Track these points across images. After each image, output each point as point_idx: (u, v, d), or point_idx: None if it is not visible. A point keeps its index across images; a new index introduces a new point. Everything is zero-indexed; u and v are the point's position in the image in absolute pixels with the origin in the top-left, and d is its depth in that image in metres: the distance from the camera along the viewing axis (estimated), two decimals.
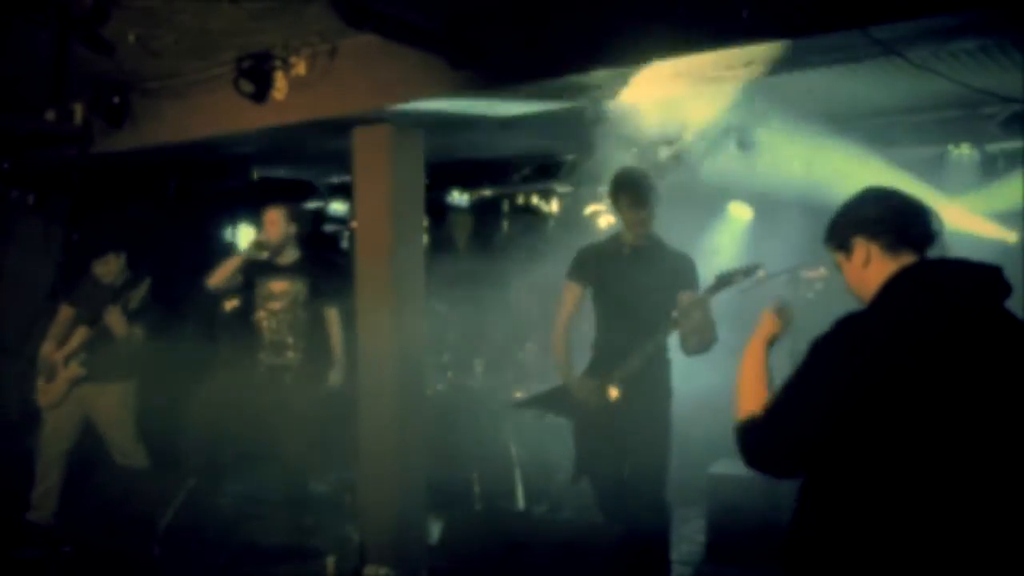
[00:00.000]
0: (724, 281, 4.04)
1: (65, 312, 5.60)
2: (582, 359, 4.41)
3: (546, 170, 7.49)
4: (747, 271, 4.01)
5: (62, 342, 5.49)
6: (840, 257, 2.24)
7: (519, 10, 4.08)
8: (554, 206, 8.28)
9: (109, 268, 5.49)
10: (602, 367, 4.28)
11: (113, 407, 5.46)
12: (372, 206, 5.04)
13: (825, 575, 2.04)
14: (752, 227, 7.46)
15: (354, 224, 5.40)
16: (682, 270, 4.30)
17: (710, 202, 7.26)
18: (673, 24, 3.66)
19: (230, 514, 5.25)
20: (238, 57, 4.86)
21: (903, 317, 2.03)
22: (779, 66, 3.85)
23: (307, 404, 5.12)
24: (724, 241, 7.36)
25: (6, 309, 6.52)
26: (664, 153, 5.90)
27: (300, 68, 4.82)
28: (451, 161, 7.44)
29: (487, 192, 7.97)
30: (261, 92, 4.90)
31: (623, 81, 4.11)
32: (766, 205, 7.12)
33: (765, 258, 4.17)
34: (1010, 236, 6.26)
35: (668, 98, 5.08)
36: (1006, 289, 2.08)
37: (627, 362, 4.16)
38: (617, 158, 5.58)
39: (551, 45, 4.03)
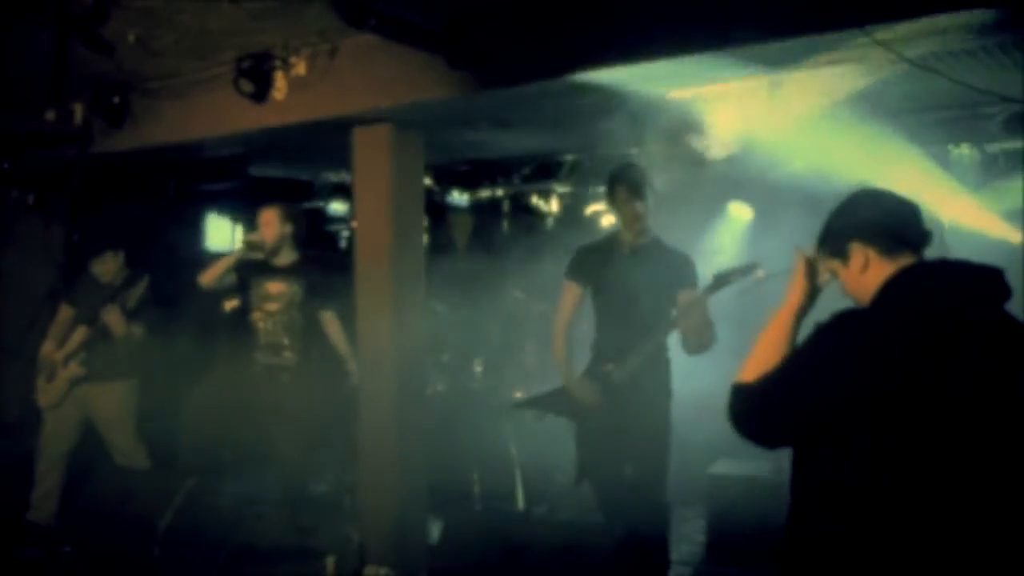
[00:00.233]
0: (722, 280, 4.04)
1: (65, 312, 5.60)
2: (582, 359, 4.41)
3: (546, 170, 7.49)
4: (745, 270, 4.01)
5: (62, 342, 5.49)
6: (836, 264, 2.21)
7: (519, 10, 4.08)
8: (554, 206, 8.27)
9: (107, 267, 5.49)
10: (601, 367, 4.28)
11: (113, 407, 5.46)
12: (372, 206, 5.04)
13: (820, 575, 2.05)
14: (752, 227, 7.46)
15: (354, 224, 5.39)
16: (681, 269, 4.29)
17: (710, 202, 7.26)
18: (674, 24, 3.67)
19: (230, 514, 5.23)
20: (238, 57, 4.86)
21: (901, 317, 2.02)
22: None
23: (304, 404, 5.10)
24: (724, 241, 7.36)
25: (6, 309, 6.52)
26: (703, 147, 5.87)
27: (300, 68, 4.82)
28: (451, 161, 7.45)
29: (487, 192, 7.96)
30: (261, 92, 4.91)
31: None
32: (766, 205, 7.12)
33: (765, 258, 4.16)
34: (1015, 236, 6.24)
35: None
36: (1006, 291, 2.07)
37: (627, 362, 4.16)
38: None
39: (551, 45, 4.03)
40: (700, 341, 4.16)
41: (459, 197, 8.11)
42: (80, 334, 5.44)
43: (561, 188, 7.76)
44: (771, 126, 5.16)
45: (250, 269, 5.20)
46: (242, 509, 5.51)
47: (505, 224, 8.70)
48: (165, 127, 5.55)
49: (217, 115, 5.27)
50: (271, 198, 5.46)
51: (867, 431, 1.96)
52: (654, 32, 3.74)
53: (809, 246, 2.33)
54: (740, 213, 7.54)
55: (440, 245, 8.62)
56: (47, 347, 5.51)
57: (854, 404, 1.96)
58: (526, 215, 8.51)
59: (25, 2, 3.78)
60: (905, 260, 2.12)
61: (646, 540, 4.09)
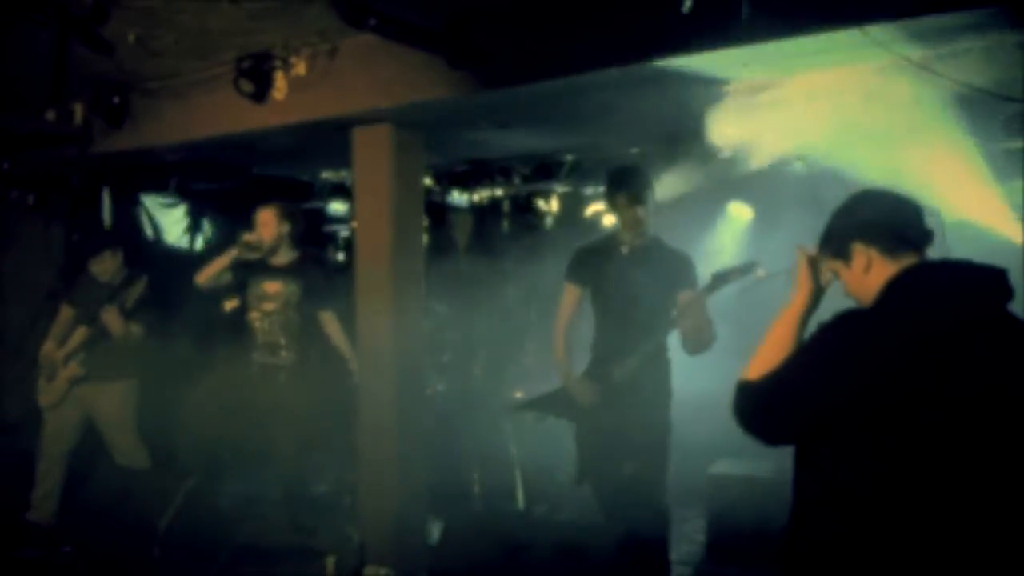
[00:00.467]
0: (721, 279, 4.03)
1: (65, 312, 5.60)
2: (582, 360, 4.41)
3: (546, 170, 7.48)
4: (744, 269, 4.01)
5: (63, 342, 5.49)
6: (838, 265, 2.22)
7: (519, 10, 4.08)
8: (554, 206, 8.27)
9: (105, 267, 5.49)
10: (602, 368, 4.28)
11: (113, 406, 5.46)
12: (372, 206, 5.04)
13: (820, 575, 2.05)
14: (752, 227, 7.46)
15: (354, 224, 5.39)
16: (681, 269, 4.29)
17: (710, 202, 7.26)
18: (674, 24, 3.66)
19: (230, 514, 5.24)
20: (238, 57, 4.86)
21: (904, 318, 2.02)
22: None
23: (302, 403, 5.09)
24: (725, 241, 7.36)
25: (6, 309, 6.52)
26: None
27: (300, 68, 4.82)
28: (451, 161, 7.44)
29: (487, 192, 7.96)
30: (261, 92, 4.91)
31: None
32: (766, 205, 7.12)
33: (765, 258, 4.16)
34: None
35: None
36: (1009, 292, 2.07)
37: (627, 362, 4.16)
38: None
39: (552, 45, 4.03)
40: (700, 340, 4.15)
41: (459, 197, 8.10)
42: (80, 334, 5.44)
43: (561, 188, 7.76)
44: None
45: (247, 269, 5.18)
46: (242, 509, 5.51)
47: (505, 224, 8.69)
48: (165, 127, 5.55)
49: (217, 115, 5.26)
50: (269, 198, 5.44)
51: (869, 431, 1.96)
52: (655, 32, 3.74)
53: (811, 245, 2.33)
54: (740, 213, 7.54)
55: (440, 245, 8.62)
56: (48, 347, 5.51)
57: (856, 404, 1.96)
58: (526, 215, 8.50)
59: (25, 2, 3.78)
60: (907, 260, 2.12)
61: (646, 540, 4.09)
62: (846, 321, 2.04)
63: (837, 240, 2.21)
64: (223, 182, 7.52)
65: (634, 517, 4.06)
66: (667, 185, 6.20)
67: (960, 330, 1.99)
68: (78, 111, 5.73)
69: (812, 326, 2.15)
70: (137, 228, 7.45)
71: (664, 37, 3.70)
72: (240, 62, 4.87)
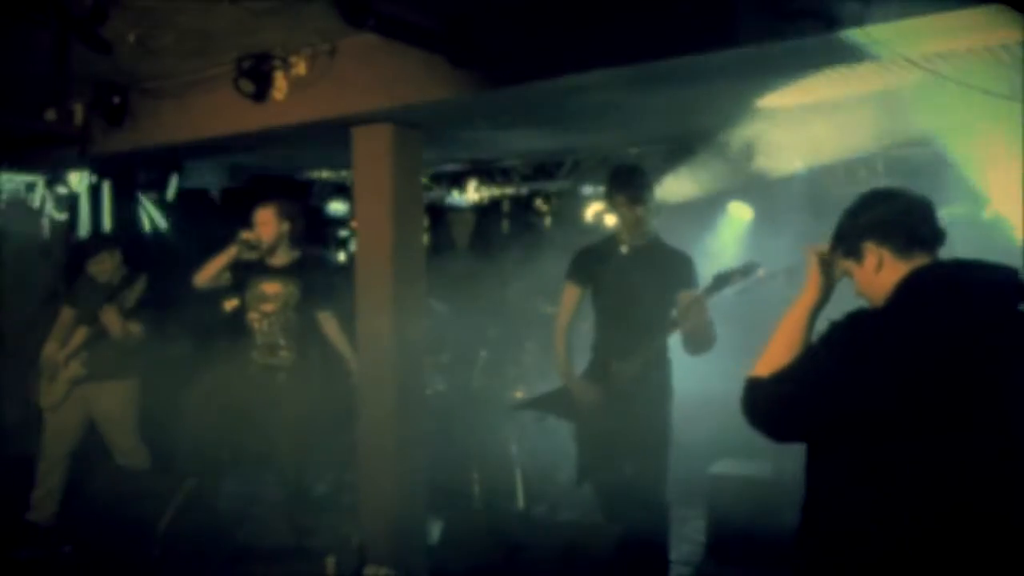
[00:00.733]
0: (722, 281, 4.02)
1: (66, 313, 5.59)
2: (583, 360, 4.41)
3: (546, 170, 7.49)
4: (745, 270, 3.99)
5: (64, 343, 5.49)
6: (849, 264, 2.21)
7: (520, 9, 4.08)
8: (554, 206, 8.28)
9: (103, 267, 5.48)
10: (602, 368, 4.28)
11: (114, 406, 5.46)
12: (372, 206, 5.04)
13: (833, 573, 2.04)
14: (753, 226, 7.46)
15: (354, 224, 5.38)
16: (680, 268, 4.29)
17: (711, 202, 7.26)
18: (674, 24, 3.66)
19: (230, 514, 5.24)
20: (238, 57, 4.86)
21: (915, 317, 2.02)
22: None
23: (301, 403, 5.09)
24: (727, 241, 7.37)
25: (6, 309, 6.52)
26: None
27: (300, 68, 4.82)
28: (451, 161, 7.45)
29: (487, 192, 7.97)
30: (261, 92, 4.90)
31: None
32: (766, 205, 7.12)
33: (766, 257, 4.16)
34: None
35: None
36: (1022, 291, 2.06)
37: (628, 362, 4.16)
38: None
39: (553, 44, 4.03)
40: (700, 341, 4.13)
41: (459, 197, 8.11)
42: (80, 334, 5.44)
43: (561, 188, 7.77)
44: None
45: (246, 269, 5.17)
46: (242, 509, 5.51)
47: (505, 224, 8.70)
48: (165, 127, 5.54)
49: (217, 115, 5.26)
50: (268, 197, 5.42)
51: (881, 430, 1.96)
52: (655, 32, 3.74)
53: (821, 243, 2.32)
54: (740, 213, 7.54)
55: (440, 245, 8.63)
56: (49, 347, 5.51)
57: (868, 404, 1.96)
58: (526, 215, 8.51)
59: (25, 2, 3.78)
60: (919, 260, 2.11)
61: (646, 540, 4.09)
62: (857, 321, 2.03)
63: (849, 239, 2.20)
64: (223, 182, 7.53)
65: (634, 517, 4.06)
66: (678, 185, 6.25)
67: (973, 330, 1.98)
68: (78, 111, 5.73)
69: (822, 323, 2.15)
70: (136, 227, 7.45)
71: (665, 37, 3.70)
72: (240, 62, 4.87)
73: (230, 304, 5.58)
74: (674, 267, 4.28)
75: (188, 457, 5.20)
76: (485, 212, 8.62)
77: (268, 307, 5.11)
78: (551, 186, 7.70)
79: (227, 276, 5.15)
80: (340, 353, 5.26)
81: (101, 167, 6.85)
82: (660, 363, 4.27)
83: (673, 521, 4.47)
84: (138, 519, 4.50)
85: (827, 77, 4.32)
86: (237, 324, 5.27)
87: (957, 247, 2.23)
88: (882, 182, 6.08)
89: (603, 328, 4.37)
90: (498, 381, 6.75)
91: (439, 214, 8.56)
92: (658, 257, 4.29)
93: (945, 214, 2.22)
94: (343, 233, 8.87)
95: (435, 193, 7.92)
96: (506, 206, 8.59)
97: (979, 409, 1.94)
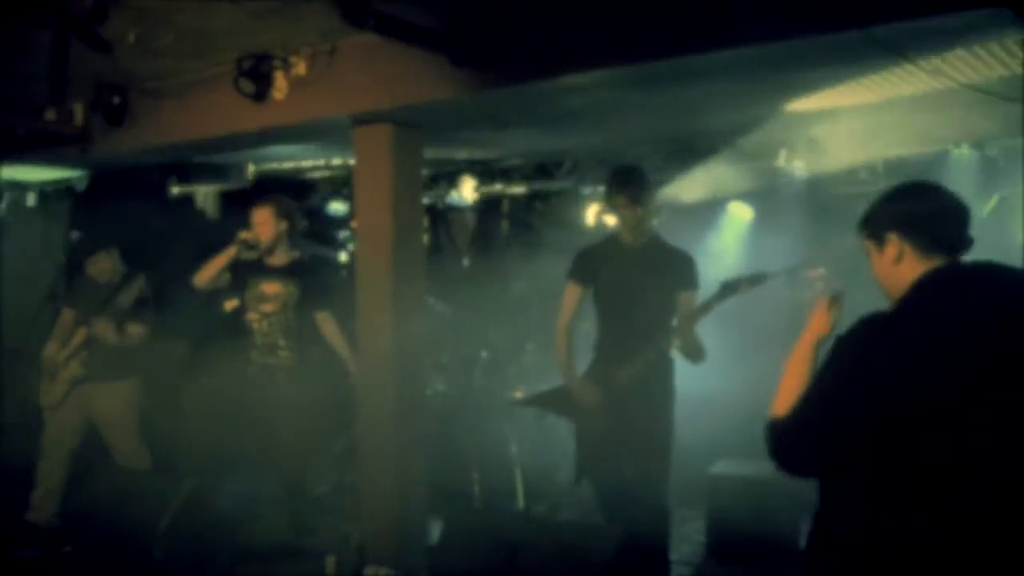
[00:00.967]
0: (729, 289, 4.02)
1: (67, 313, 5.60)
2: (584, 360, 4.41)
3: (546, 170, 7.49)
4: (753, 280, 4.00)
5: (65, 343, 5.48)
6: (871, 246, 2.20)
7: (520, 9, 4.07)
8: (554, 206, 8.27)
9: (101, 267, 5.48)
10: (604, 368, 4.28)
11: (115, 407, 5.45)
12: (372, 206, 5.04)
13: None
14: (753, 226, 7.46)
15: (354, 224, 5.38)
16: (682, 268, 4.29)
17: (711, 202, 7.26)
18: (674, 25, 3.66)
19: (230, 514, 5.24)
20: (238, 57, 4.86)
21: (928, 318, 2.01)
22: None
23: (301, 403, 5.08)
24: (728, 241, 7.37)
25: (6, 309, 6.52)
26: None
27: (300, 68, 4.82)
28: (451, 160, 7.44)
29: (487, 192, 7.96)
30: (261, 92, 4.90)
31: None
32: (766, 205, 7.12)
33: (766, 257, 4.17)
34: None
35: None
36: None
37: (629, 362, 4.16)
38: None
39: (554, 43, 4.03)
40: (691, 357, 4.24)
41: (459, 197, 8.11)
42: (80, 335, 5.44)
43: (561, 188, 7.76)
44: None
45: (246, 269, 5.16)
46: (242, 509, 5.51)
47: (505, 224, 8.69)
48: (165, 127, 5.54)
49: (217, 115, 5.26)
50: (267, 195, 5.41)
51: (894, 434, 1.94)
52: (654, 32, 3.74)
53: (830, 292, 2.32)
54: (740, 213, 7.54)
55: (440, 245, 8.63)
56: (50, 348, 5.51)
57: (880, 405, 1.94)
58: (526, 215, 8.51)
59: (25, 2, 3.78)
60: (938, 262, 2.10)
61: (646, 540, 4.09)
62: (868, 327, 2.02)
63: (876, 223, 2.19)
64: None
65: (635, 517, 4.06)
66: (691, 185, 6.27)
67: (985, 331, 1.97)
68: (78, 111, 5.72)
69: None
70: (136, 227, 7.44)
71: (666, 37, 3.70)
72: (240, 62, 4.86)
73: (230, 304, 5.58)
74: (675, 266, 4.28)
75: (188, 457, 5.20)
76: (485, 212, 8.61)
77: (267, 307, 5.11)
78: (551, 186, 7.69)
79: (226, 277, 5.15)
80: (338, 353, 5.26)
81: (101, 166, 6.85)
82: (662, 363, 4.27)
83: (673, 521, 4.47)
84: (138, 519, 4.50)
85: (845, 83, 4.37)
86: (237, 324, 5.27)
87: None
88: (882, 183, 6.09)
89: (605, 328, 4.37)
90: (498, 381, 6.75)
91: (439, 214, 8.55)
92: (659, 256, 4.29)
93: None
94: (343, 233, 8.86)
95: (435, 193, 7.90)
96: (506, 206, 8.58)
97: (993, 410, 1.93)
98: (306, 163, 7.41)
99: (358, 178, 5.16)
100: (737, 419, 5.98)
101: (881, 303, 2.16)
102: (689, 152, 6.52)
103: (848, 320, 2.11)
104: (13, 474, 5.55)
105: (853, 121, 5.46)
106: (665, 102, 5.15)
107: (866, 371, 1.97)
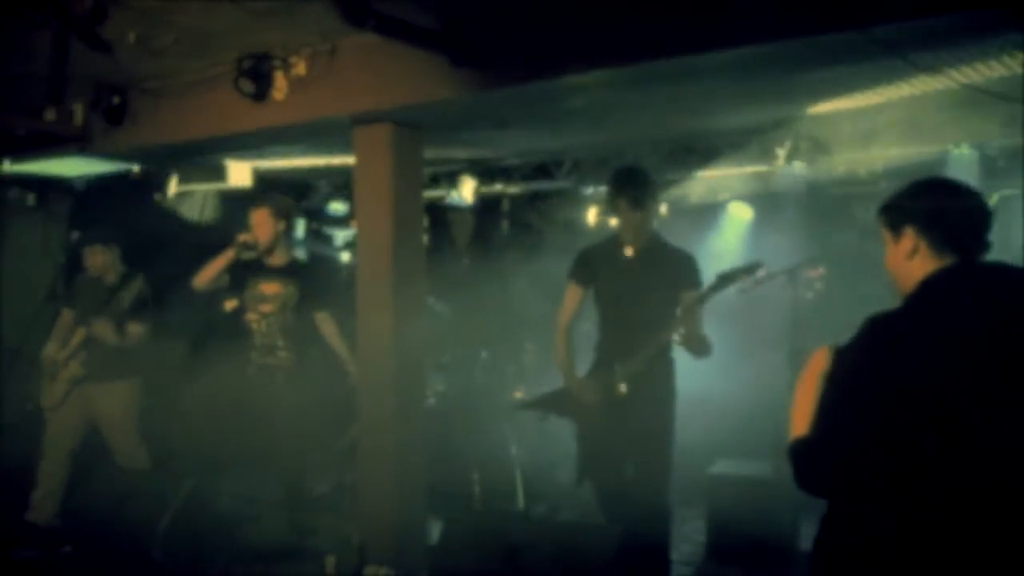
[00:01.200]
0: (726, 279, 4.05)
1: (66, 313, 5.60)
2: (585, 361, 4.41)
3: (546, 170, 7.49)
4: (749, 269, 4.06)
5: (65, 343, 5.48)
6: (887, 235, 2.19)
7: (520, 9, 4.07)
8: (554, 206, 8.27)
9: (96, 259, 5.47)
10: (605, 368, 4.27)
11: (115, 407, 5.45)
12: (372, 206, 5.04)
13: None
14: (753, 226, 7.47)
15: (354, 224, 5.38)
16: (683, 268, 4.29)
17: (711, 203, 7.27)
18: (674, 25, 3.67)
19: (230, 514, 5.24)
20: (238, 57, 4.86)
21: (937, 317, 2.01)
22: None
23: (300, 403, 5.08)
24: (729, 241, 7.38)
25: (6, 309, 6.52)
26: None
27: (300, 68, 4.82)
28: (450, 161, 7.44)
29: (486, 192, 7.96)
30: (261, 92, 4.90)
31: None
32: (766, 205, 7.13)
33: (767, 257, 4.18)
34: None
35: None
36: None
37: (630, 362, 4.16)
38: None
39: (553, 44, 4.03)
40: (695, 351, 4.19)
41: (459, 197, 8.11)
42: (80, 335, 5.43)
43: (561, 188, 7.76)
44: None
45: (245, 269, 5.16)
46: (242, 509, 5.51)
47: (505, 224, 8.70)
48: (165, 127, 5.54)
49: (217, 115, 5.26)
50: (264, 196, 5.41)
51: (904, 436, 1.94)
52: (655, 32, 3.74)
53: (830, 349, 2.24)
54: (740, 213, 7.55)
55: (440, 245, 8.62)
56: (51, 348, 5.50)
57: (888, 401, 1.94)
58: (526, 215, 8.51)
59: (25, 2, 3.78)
60: (950, 261, 2.09)
61: (647, 540, 4.08)
62: (875, 329, 2.01)
63: (896, 214, 2.18)
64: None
65: (635, 517, 4.06)
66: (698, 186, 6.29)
67: (994, 334, 1.97)
68: (78, 111, 5.72)
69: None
70: (135, 226, 7.44)
71: (667, 37, 3.70)
72: (240, 62, 4.86)
73: (230, 304, 5.58)
74: (677, 266, 4.28)
75: (188, 457, 5.20)
76: (485, 212, 8.61)
77: (267, 308, 5.11)
78: (551, 186, 7.69)
79: (226, 278, 5.15)
80: (337, 354, 5.26)
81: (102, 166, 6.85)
82: (664, 363, 4.27)
83: (673, 521, 4.47)
84: (138, 519, 4.50)
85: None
86: (236, 324, 5.27)
87: None
88: (882, 184, 6.10)
89: (606, 328, 4.37)
90: (498, 381, 6.75)
91: (439, 214, 8.54)
92: (661, 257, 4.29)
93: None
94: (343, 233, 8.86)
95: (435, 193, 7.90)
96: (506, 206, 8.58)
97: (1002, 412, 1.93)
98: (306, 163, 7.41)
99: (358, 178, 5.16)
100: (737, 419, 6.00)
101: (881, 304, 2.16)
102: (689, 153, 6.53)
103: (848, 320, 2.11)
104: (13, 474, 5.55)
105: (853, 121, 5.47)
106: (665, 102, 5.16)
107: (876, 369, 1.96)
